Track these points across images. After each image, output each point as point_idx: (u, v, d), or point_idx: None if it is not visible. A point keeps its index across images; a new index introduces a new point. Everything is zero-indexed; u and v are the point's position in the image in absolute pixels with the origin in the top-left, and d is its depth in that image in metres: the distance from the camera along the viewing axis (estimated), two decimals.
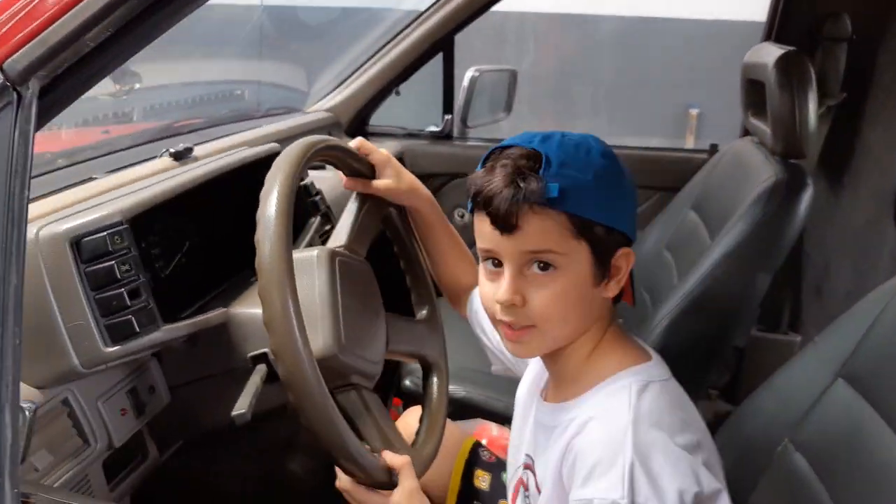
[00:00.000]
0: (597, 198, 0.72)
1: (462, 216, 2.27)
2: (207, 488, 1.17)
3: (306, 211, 1.14)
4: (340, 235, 0.92)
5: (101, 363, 0.71)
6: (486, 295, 0.77)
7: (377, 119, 2.29)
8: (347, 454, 0.71)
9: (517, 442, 0.91)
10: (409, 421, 1.08)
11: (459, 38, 2.15)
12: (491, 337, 1.00)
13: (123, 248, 0.74)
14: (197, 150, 1.33)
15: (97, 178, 1.15)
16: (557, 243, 0.72)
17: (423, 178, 2.15)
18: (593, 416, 0.73)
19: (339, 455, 0.71)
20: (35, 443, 0.68)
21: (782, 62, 1.48)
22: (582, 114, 3.48)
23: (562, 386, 0.81)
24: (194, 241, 1.07)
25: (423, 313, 1.03)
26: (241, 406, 0.71)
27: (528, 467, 0.86)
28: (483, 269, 0.78)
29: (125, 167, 1.24)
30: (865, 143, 1.93)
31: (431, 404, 0.97)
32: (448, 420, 1.18)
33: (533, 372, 0.93)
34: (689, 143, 3.74)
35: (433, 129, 2.26)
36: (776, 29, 1.91)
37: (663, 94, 3.84)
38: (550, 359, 0.82)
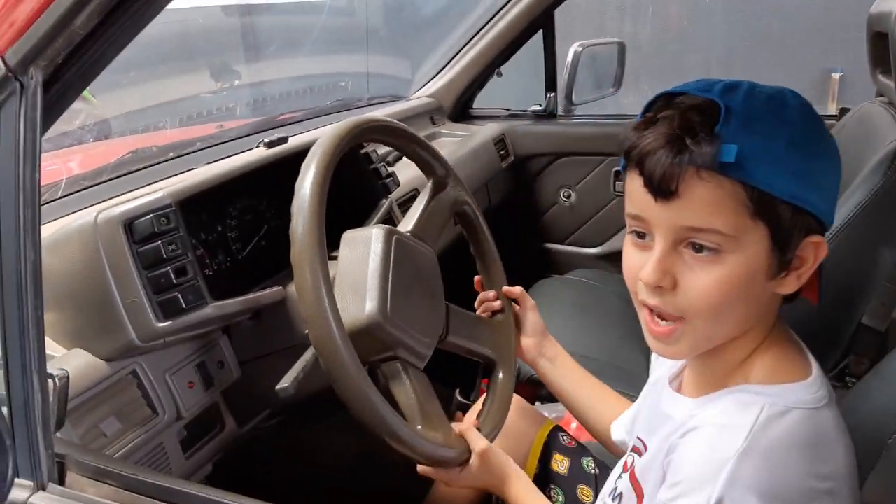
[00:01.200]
0: (788, 168, 0.57)
1: (568, 197, 2.21)
2: (302, 459, 1.22)
3: (374, 189, 1.16)
4: (408, 221, 0.95)
5: (156, 338, 0.77)
6: (630, 268, 0.64)
7: (480, 101, 2.27)
8: (385, 428, 0.71)
9: (632, 420, 0.87)
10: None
11: (559, 13, 2.08)
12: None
13: (171, 229, 0.79)
14: (292, 140, 1.38)
15: (195, 169, 1.23)
16: (726, 222, 0.57)
17: (527, 158, 2.18)
18: (708, 425, 0.61)
19: (374, 429, 0.71)
20: (104, 410, 0.75)
21: None
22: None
23: (698, 381, 0.70)
24: (273, 224, 1.12)
25: (497, 317, 1.02)
26: (286, 380, 0.73)
27: (636, 450, 0.78)
28: (629, 238, 0.65)
29: (222, 158, 1.31)
30: None
31: (493, 400, 0.95)
32: (527, 404, 1.16)
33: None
34: (831, 110, 3.38)
35: (536, 108, 2.21)
36: None
37: (801, 58, 3.49)
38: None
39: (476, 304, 1.05)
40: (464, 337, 0.95)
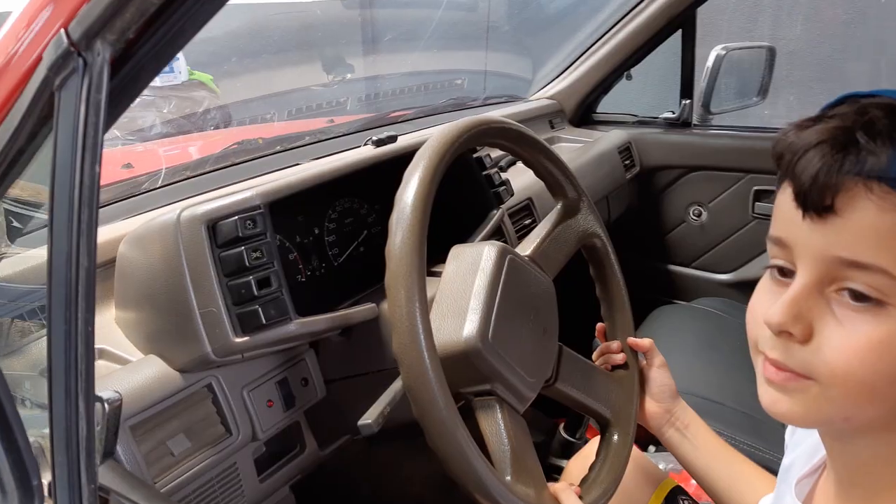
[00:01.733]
0: None
1: (698, 215, 2.01)
2: (386, 482, 1.13)
3: (485, 198, 1.04)
4: (527, 244, 0.84)
5: (233, 353, 0.69)
6: (755, 310, 0.50)
7: (605, 106, 2.13)
8: (472, 478, 0.61)
9: None
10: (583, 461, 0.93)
11: (701, 12, 1.90)
12: None
13: (257, 234, 0.71)
14: (401, 140, 1.30)
15: (300, 164, 1.17)
16: None
17: (655, 170, 2.01)
18: None
19: (464, 482, 0.61)
20: (174, 426, 0.68)
21: None
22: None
23: (842, 488, 0.52)
24: (374, 230, 1.04)
25: (619, 371, 0.90)
26: (370, 415, 0.64)
27: None
28: (767, 275, 0.50)
29: (326, 155, 1.25)
30: None
31: (602, 466, 0.82)
32: (642, 456, 1.01)
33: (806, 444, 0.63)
34: None
35: (668, 115, 2.04)
36: None
37: None
38: (834, 439, 0.52)
39: (594, 356, 0.91)
40: (577, 387, 0.83)
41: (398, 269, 0.61)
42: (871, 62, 2.77)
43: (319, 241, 0.93)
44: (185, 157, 1.17)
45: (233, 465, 0.75)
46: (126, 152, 1.36)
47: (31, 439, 0.53)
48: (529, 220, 1.33)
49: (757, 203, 1.90)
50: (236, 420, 0.73)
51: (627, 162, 1.94)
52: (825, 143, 0.43)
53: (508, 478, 0.67)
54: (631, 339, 0.89)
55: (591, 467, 0.82)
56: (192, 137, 1.45)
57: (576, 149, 1.86)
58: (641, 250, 2.10)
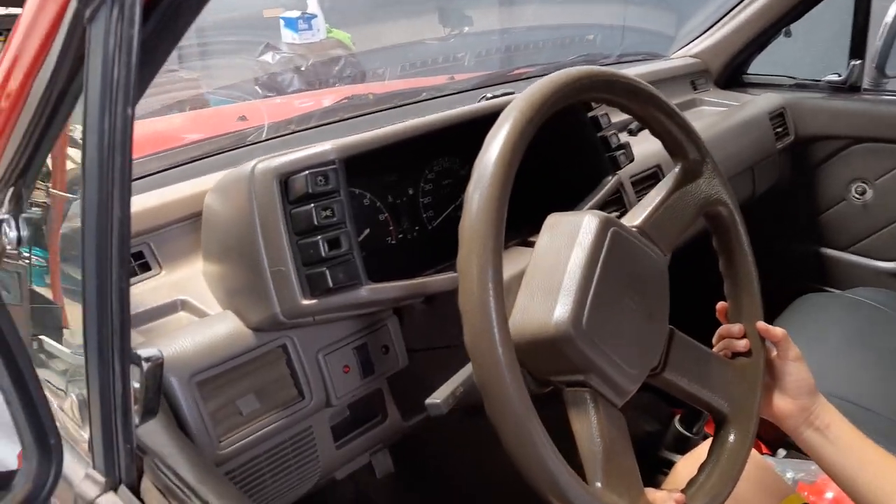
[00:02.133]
0: None
1: (862, 193, 1.78)
2: (483, 463, 1.09)
3: (599, 163, 0.94)
4: (637, 213, 0.73)
5: (301, 315, 0.65)
6: None
7: (757, 66, 1.92)
8: (550, 485, 0.54)
9: None
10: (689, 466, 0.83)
11: None
12: None
13: (328, 192, 0.65)
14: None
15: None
16: None
17: (812, 140, 1.79)
18: None
19: (543, 490, 0.54)
20: (244, 385, 0.66)
21: None
22: None
23: None
24: None
25: (738, 357, 0.78)
26: (439, 395, 0.58)
27: None
28: None
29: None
30: None
31: (714, 468, 0.71)
32: (764, 462, 0.89)
33: None
34: None
35: (833, 78, 1.80)
36: None
37: None
38: None
39: (714, 339, 0.80)
40: (688, 376, 0.72)
41: (471, 248, 0.54)
42: None
43: (413, 202, 0.88)
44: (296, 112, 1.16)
45: (307, 429, 0.73)
46: (249, 106, 1.38)
47: (73, 395, 0.52)
48: None
49: None
50: (310, 384, 0.70)
51: (780, 130, 1.74)
52: None
53: (599, 484, 0.60)
54: (760, 324, 0.77)
55: (701, 468, 0.72)
56: (320, 93, 1.44)
57: (719, 113, 1.69)
58: (790, 231, 1.89)
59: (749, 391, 0.74)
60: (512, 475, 0.64)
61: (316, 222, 0.65)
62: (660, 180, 1.20)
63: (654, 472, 1.20)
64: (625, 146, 0.96)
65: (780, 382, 0.76)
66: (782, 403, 0.75)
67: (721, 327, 0.80)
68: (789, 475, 1.07)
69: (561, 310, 0.60)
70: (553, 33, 1.74)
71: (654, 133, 0.73)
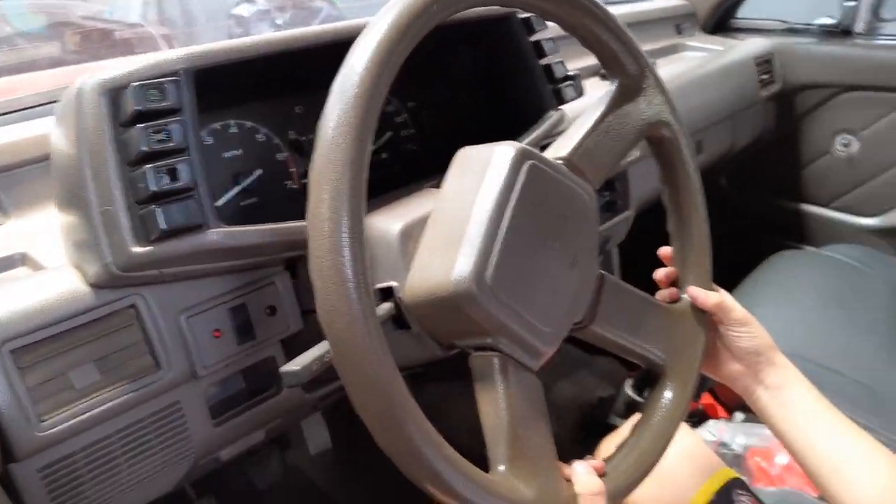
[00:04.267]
0: None
1: (846, 145, 1.67)
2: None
3: (542, 99, 0.82)
4: (565, 142, 0.61)
5: (139, 267, 0.53)
6: None
7: (747, 10, 1.81)
8: (441, 483, 0.45)
9: None
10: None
11: None
12: None
13: (166, 110, 0.53)
14: None
15: None
16: None
17: (799, 89, 1.67)
18: None
19: (424, 483, 0.45)
20: (80, 354, 0.55)
21: None
22: None
23: None
24: (404, 133, 0.86)
25: (681, 297, 0.68)
26: (299, 361, 0.49)
27: None
28: None
29: None
30: None
31: (650, 423, 0.63)
32: (694, 437, 0.81)
33: None
34: None
35: (826, 21, 1.69)
36: None
37: None
38: None
39: (655, 276, 0.70)
40: (620, 326, 0.62)
41: (322, 189, 0.43)
42: None
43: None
44: None
45: (173, 404, 0.62)
46: None
47: None
48: None
49: None
50: (167, 352, 0.59)
51: (765, 77, 1.64)
52: None
53: (502, 467, 0.51)
54: (692, 290, 0.67)
55: (635, 429, 0.63)
56: None
57: (701, 58, 1.58)
58: (770, 185, 1.81)
59: (690, 340, 0.66)
60: (469, 443, 0.55)
61: (146, 147, 0.53)
62: None
63: (600, 439, 1.14)
64: (573, 77, 0.84)
65: (725, 344, 0.68)
66: (729, 364, 0.68)
67: (661, 270, 0.70)
68: (741, 441, 1.02)
69: (462, 264, 0.50)
70: None
71: (585, 43, 0.60)
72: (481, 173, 0.54)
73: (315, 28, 0.67)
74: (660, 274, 0.70)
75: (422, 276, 0.52)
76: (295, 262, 0.68)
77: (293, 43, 0.64)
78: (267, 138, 0.72)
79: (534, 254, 0.54)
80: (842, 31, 1.66)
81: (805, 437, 0.63)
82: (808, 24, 1.72)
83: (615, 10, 1.52)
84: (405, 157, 0.85)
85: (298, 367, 0.49)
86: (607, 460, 0.60)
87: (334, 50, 0.68)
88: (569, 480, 0.54)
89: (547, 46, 0.82)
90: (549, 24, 0.73)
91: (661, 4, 1.72)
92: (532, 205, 0.54)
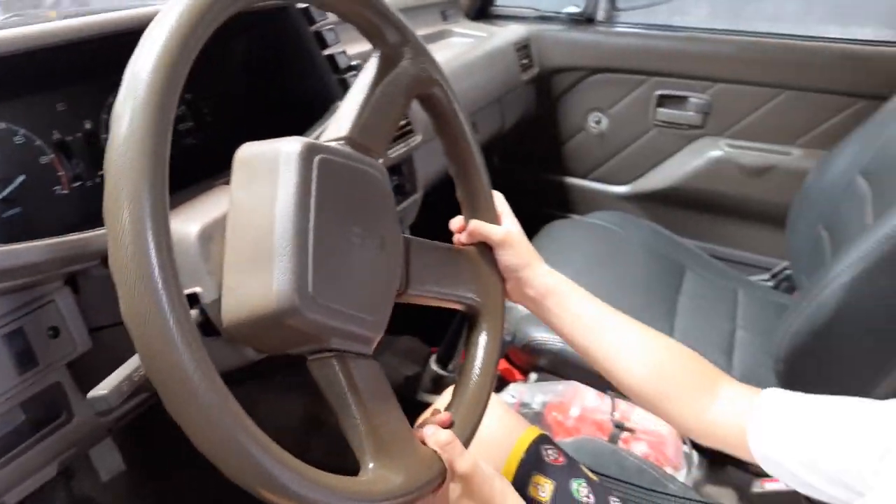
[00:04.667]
0: None
1: (598, 122, 1.88)
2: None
3: (328, 89, 0.83)
4: (341, 122, 0.62)
5: None
6: None
7: None
8: (290, 494, 0.44)
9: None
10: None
11: None
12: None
13: None
14: None
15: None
16: None
17: (554, 72, 1.83)
18: None
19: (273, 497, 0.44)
20: None
21: None
22: None
23: None
24: (180, 127, 0.82)
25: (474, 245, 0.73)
26: (106, 384, 0.46)
27: None
28: None
29: None
30: None
31: (470, 371, 0.68)
32: (501, 404, 0.88)
33: None
34: None
35: (572, 10, 1.87)
36: None
37: None
38: None
39: (451, 225, 0.75)
40: (434, 281, 0.66)
41: (118, 180, 0.41)
42: None
43: (93, 138, 0.70)
44: None
45: None
46: None
47: None
48: (404, 122, 1.13)
49: (659, 109, 1.79)
50: None
51: (525, 62, 1.78)
52: None
53: (371, 464, 0.52)
54: (471, 224, 0.73)
55: (458, 383, 0.67)
56: None
57: (467, 44, 1.67)
58: (536, 161, 1.97)
59: (493, 276, 0.72)
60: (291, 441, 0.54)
61: None
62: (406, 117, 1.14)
63: (414, 417, 1.18)
64: (356, 67, 0.86)
65: (501, 265, 0.74)
66: (513, 286, 0.74)
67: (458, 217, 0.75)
68: (539, 398, 1.11)
69: (280, 281, 0.49)
70: None
71: (343, 16, 0.62)
72: (273, 176, 0.52)
73: (72, 22, 0.62)
74: (454, 223, 0.74)
75: (239, 299, 0.50)
76: (75, 276, 0.63)
77: (52, 39, 0.59)
78: (27, 140, 0.65)
79: (345, 248, 0.55)
80: (586, 19, 1.84)
81: (584, 334, 0.71)
82: (558, 13, 1.88)
83: None
84: (187, 153, 0.81)
85: (107, 391, 0.46)
86: (448, 409, 0.64)
87: (98, 42, 0.64)
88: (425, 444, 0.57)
89: (329, 37, 0.83)
90: (329, 14, 0.74)
91: None
92: (331, 199, 0.54)
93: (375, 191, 0.60)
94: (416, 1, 1.71)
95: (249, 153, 0.54)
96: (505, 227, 0.73)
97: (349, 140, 0.60)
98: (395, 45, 0.65)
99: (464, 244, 0.73)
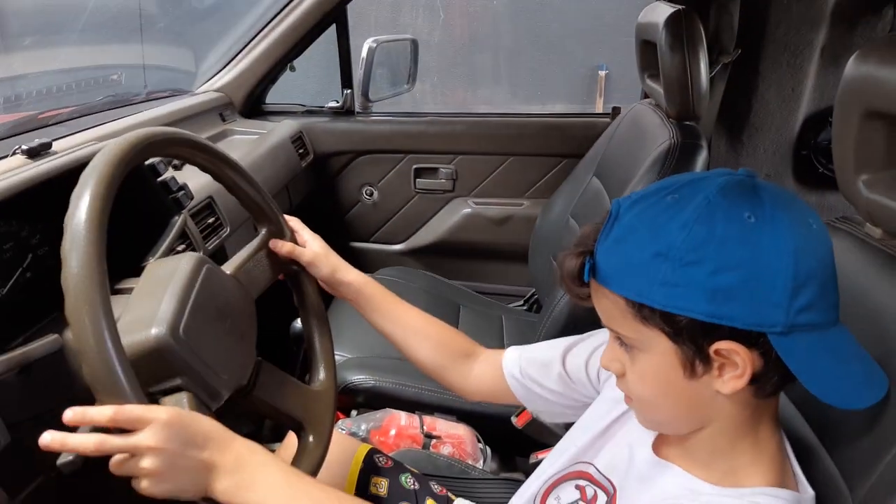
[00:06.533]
0: (655, 279, 0.56)
1: (371, 195, 2.19)
2: None
3: (163, 206, 1.04)
4: (230, 264, 0.85)
5: None
6: None
7: (275, 96, 2.18)
8: None
9: (584, 446, 0.78)
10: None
11: (352, 6, 2.05)
12: (547, 383, 0.89)
13: None
14: (57, 145, 1.20)
15: None
16: (622, 325, 0.61)
17: (327, 157, 2.13)
18: None
19: None
20: None
21: (673, 21, 1.45)
22: (483, 82, 3.32)
23: (685, 455, 0.67)
24: (42, 251, 0.97)
25: (317, 381, 0.94)
26: (67, 454, 0.62)
27: (602, 487, 0.74)
28: None
29: None
30: (762, 98, 1.93)
31: (301, 460, 0.86)
32: (339, 434, 1.10)
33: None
34: (599, 107, 3.68)
35: (333, 104, 2.16)
36: None
37: (574, 57, 3.77)
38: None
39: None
40: (273, 397, 0.85)
41: (78, 297, 0.60)
42: (492, 53, 3.25)
43: None
44: None
45: None
46: None
47: None
48: (213, 219, 1.34)
49: (418, 179, 2.14)
50: None
51: (301, 151, 2.02)
52: (567, 259, 0.64)
53: None
54: (286, 248, 0.92)
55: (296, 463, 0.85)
56: None
57: (250, 141, 1.88)
58: (325, 231, 2.18)
59: (325, 409, 0.91)
60: None
61: None
62: (214, 210, 1.35)
63: None
64: (184, 187, 1.08)
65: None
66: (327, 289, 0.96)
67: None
68: (363, 427, 1.34)
69: (160, 320, 0.68)
70: (78, 75, 1.69)
71: (233, 192, 0.87)
72: (171, 272, 0.74)
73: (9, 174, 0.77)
74: (272, 246, 0.91)
75: (125, 338, 0.64)
76: None
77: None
78: None
79: (214, 325, 0.75)
80: (346, 111, 2.14)
81: (387, 324, 0.94)
82: (321, 107, 2.17)
83: (164, 109, 1.74)
84: (52, 274, 0.96)
85: (71, 456, 0.62)
86: (294, 464, 0.83)
87: None
88: None
89: (160, 168, 1.04)
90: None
91: (202, 98, 1.94)
92: (210, 292, 0.76)
93: (245, 306, 0.82)
94: (194, 108, 1.86)
95: (157, 265, 0.76)
96: (310, 248, 0.93)
97: (233, 276, 0.83)
98: (276, 231, 0.92)
99: (286, 262, 0.93)
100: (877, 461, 0.62)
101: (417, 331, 0.95)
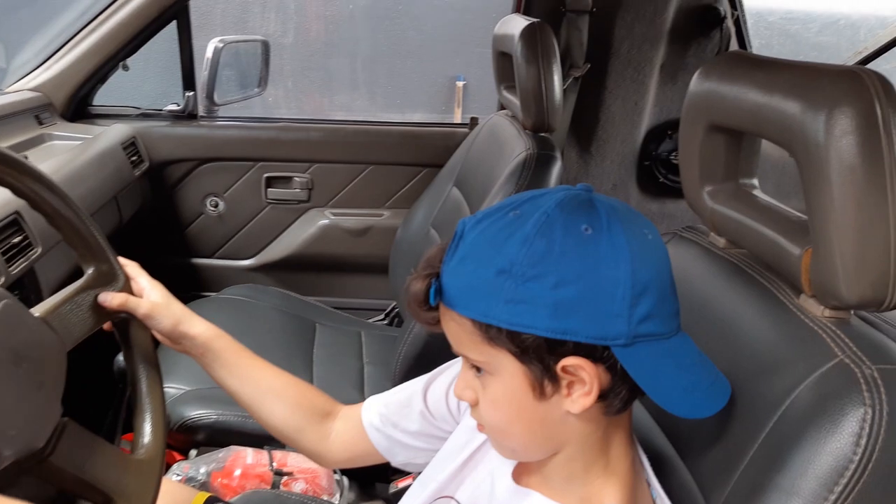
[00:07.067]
0: (500, 298, 0.55)
1: (216, 206, 2.04)
2: None
3: None
4: (43, 305, 0.70)
5: None
6: None
7: (103, 98, 1.98)
8: None
9: (445, 480, 0.74)
10: None
11: (196, 5, 1.90)
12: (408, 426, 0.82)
13: None
14: None
15: None
16: (471, 349, 0.59)
17: (165, 164, 1.95)
18: None
19: None
20: None
21: (527, 33, 1.45)
22: (340, 88, 3.24)
23: (544, 482, 0.65)
24: None
25: (140, 447, 0.77)
26: None
27: None
28: None
29: None
30: (609, 112, 2.01)
31: None
32: (171, 483, 0.99)
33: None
34: (458, 117, 3.72)
35: (173, 107, 2.00)
36: (524, 0, 1.90)
37: (432, 66, 3.78)
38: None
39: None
40: (78, 465, 0.68)
41: None
42: (350, 59, 3.19)
43: None
44: None
45: None
46: None
47: None
48: (20, 238, 1.16)
49: (269, 189, 2.03)
50: None
51: (135, 158, 1.85)
52: (413, 283, 0.61)
53: None
54: (119, 300, 0.77)
55: None
56: None
57: (73, 147, 1.68)
58: (162, 247, 2.04)
59: (146, 482, 0.75)
60: None
61: None
62: (21, 227, 1.16)
63: None
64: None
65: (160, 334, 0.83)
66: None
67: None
68: (203, 470, 1.22)
69: None
70: None
71: (51, 221, 0.72)
72: None
73: None
74: (101, 298, 0.76)
75: None
76: None
77: None
78: None
79: (5, 370, 0.62)
80: (188, 115, 1.99)
81: (232, 382, 0.82)
82: (159, 110, 2.00)
83: None
84: None
85: None
86: None
87: None
88: None
89: None
90: None
91: (14, 98, 1.71)
92: (6, 328, 0.62)
93: (50, 351, 0.67)
94: (5, 108, 1.64)
95: None
96: (148, 299, 0.79)
97: (43, 319, 0.68)
98: (108, 272, 0.78)
99: (114, 312, 0.77)
100: (731, 471, 0.63)
101: (271, 391, 0.84)
